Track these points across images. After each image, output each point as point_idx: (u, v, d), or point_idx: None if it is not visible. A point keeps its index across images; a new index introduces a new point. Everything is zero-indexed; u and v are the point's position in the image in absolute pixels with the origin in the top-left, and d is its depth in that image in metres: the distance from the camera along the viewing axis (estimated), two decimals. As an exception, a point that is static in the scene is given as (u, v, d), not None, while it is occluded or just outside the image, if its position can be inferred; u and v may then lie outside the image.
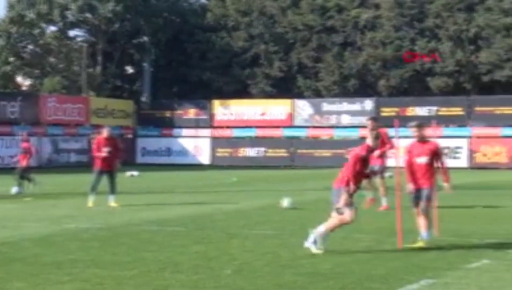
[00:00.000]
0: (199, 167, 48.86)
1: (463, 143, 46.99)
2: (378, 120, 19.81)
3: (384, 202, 18.36)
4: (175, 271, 10.08)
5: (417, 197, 12.38)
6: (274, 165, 48.78)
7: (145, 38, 58.27)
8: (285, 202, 18.78)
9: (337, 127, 50.59)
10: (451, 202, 19.63)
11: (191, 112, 53.94)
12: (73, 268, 10.30)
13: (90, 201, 19.49)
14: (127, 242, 12.82)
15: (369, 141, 12.22)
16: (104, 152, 19.84)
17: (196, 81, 56.73)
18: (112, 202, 19.43)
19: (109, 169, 19.88)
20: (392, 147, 18.04)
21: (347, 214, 11.65)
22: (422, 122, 13.39)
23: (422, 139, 12.85)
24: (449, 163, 48.21)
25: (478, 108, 47.43)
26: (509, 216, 17.26)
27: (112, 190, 19.65)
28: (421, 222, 12.27)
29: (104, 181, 19.81)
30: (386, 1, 53.09)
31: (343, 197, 11.62)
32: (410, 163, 12.63)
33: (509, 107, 46.58)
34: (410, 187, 12.47)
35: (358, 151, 12.06)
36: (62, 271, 10.05)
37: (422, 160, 12.61)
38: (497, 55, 49.67)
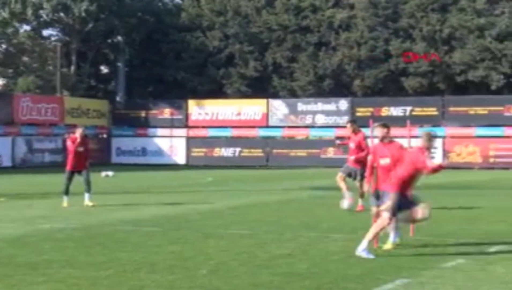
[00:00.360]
0: (174, 166, 48.74)
1: (437, 143, 47.20)
2: (357, 123, 19.78)
3: (360, 202, 18.37)
4: (150, 271, 10.04)
5: (377, 197, 12.26)
6: (250, 165, 48.77)
7: (120, 38, 58.04)
8: (345, 204, 17.81)
9: (312, 127, 50.67)
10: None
11: (166, 112, 53.79)
12: (48, 268, 10.23)
13: (65, 201, 19.39)
14: (102, 242, 12.75)
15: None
16: (77, 151, 19.73)
17: (171, 81, 56.60)
18: (87, 201, 19.33)
19: (80, 169, 19.78)
20: (368, 153, 17.55)
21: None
22: (386, 123, 13.37)
23: (386, 140, 12.83)
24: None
25: (452, 109, 47.71)
26: (483, 215, 17.37)
27: (88, 189, 19.55)
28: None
29: (78, 180, 19.71)
30: (361, 2, 53.26)
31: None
32: (373, 164, 12.66)
33: (482, 108, 46.89)
34: (372, 187, 12.43)
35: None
36: (37, 272, 9.98)
37: (386, 161, 12.59)
38: (471, 55, 49.98)
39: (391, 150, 12.71)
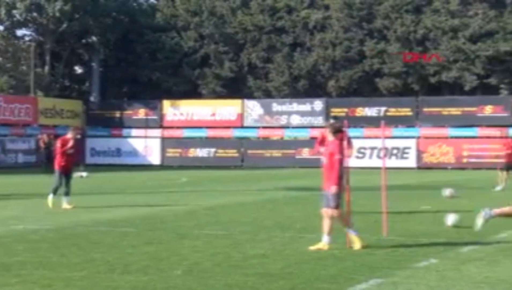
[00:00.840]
0: (149, 167, 48.62)
1: (411, 143, 47.50)
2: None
3: None
4: (124, 272, 10.01)
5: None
6: (225, 165, 48.76)
7: (94, 38, 57.80)
8: (450, 220, 15.72)
9: (287, 127, 50.76)
10: (399, 202, 19.84)
11: (141, 113, 53.66)
12: (22, 269, 10.17)
13: (50, 202, 19.20)
14: (76, 243, 12.70)
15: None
16: (67, 153, 19.60)
17: (145, 81, 56.47)
18: (66, 204, 19.18)
19: (69, 171, 19.67)
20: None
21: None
22: (337, 121, 13.42)
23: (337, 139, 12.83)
24: (398, 163, 48.69)
25: (426, 109, 47.99)
26: (456, 215, 17.45)
27: (68, 192, 19.43)
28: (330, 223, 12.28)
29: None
30: (336, 2, 53.42)
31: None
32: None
33: (456, 108, 47.22)
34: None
35: None
36: (10, 273, 9.92)
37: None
38: (444, 56, 50.30)
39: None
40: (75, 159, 20.03)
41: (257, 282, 9.37)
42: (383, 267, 10.46)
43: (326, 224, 12.18)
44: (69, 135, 19.96)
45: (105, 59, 58.01)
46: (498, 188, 26.61)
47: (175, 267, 10.39)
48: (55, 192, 19.40)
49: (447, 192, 21.92)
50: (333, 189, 12.11)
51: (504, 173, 27.31)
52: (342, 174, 12.26)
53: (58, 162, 19.72)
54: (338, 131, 12.69)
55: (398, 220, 15.72)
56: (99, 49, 57.14)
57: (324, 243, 12.05)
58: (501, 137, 32.39)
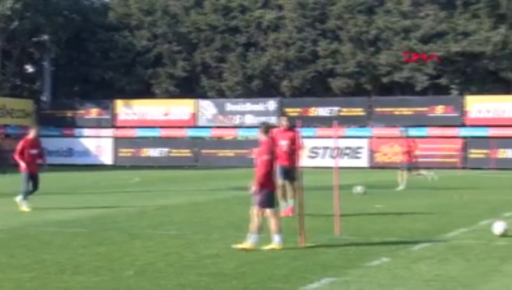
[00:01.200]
0: (101, 167, 48.26)
1: (364, 143, 47.84)
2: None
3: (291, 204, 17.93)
4: (75, 273, 9.92)
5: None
6: (178, 165, 48.61)
7: (45, 37, 57.17)
8: (498, 228, 14.79)
9: (240, 127, 50.78)
10: (351, 201, 19.98)
11: (93, 112, 53.26)
12: (-30, 271, 10.02)
13: (24, 206, 18.84)
14: (26, 244, 12.55)
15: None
16: (31, 153, 19.32)
17: (98, 80, 56.05)
18: (25, 205, 18.89)
19: (35, 172, 19.40)
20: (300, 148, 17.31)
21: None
22: (265, 122, 13.38)
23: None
24: (351, 162, 49.00)
25: (378, 109, 48.37)
26: (407, 214, 17.64)
27: (31, 194, 19.20)
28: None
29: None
30: (289, 3, 53.59)
31: None
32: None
33: (407, 108, 47.67)
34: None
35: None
36: (-42, 275, 9.77)
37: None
38: (396, 57, 50.74)
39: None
40: (42, 159, 19.73)
41: (210, 282, 9.35)
42: (335, 266, 10.51)
43: (271, 224, 12.21)
44: (31, 135, 19.74)
45: (57, 58, 57.44)
46: (400, 188, 26.92)
47: (127, 267, 10.32)
48: (25, 196, 19.08)
49: (358, 189, 22.86)
50: (252, 189, 12.21)
51: (405, 172, 27.87)
52: (270, 174, 12.29)
53: (23, 164, 19.36)
54: (269, 131, 12.69)
55: (351, 219, 15.82)
56: (50, 48, 56.56)
57: (276, 242, 12.09)
58: (400, 137, 32.72)
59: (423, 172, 30.82)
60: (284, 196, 17.06)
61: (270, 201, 12.30)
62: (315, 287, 9.17)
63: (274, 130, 17.03)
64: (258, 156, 12.35)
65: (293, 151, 16.66)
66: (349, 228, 14.28)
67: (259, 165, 12.28)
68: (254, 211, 12.31)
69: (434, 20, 50.86)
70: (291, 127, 17.37)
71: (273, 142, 13.05)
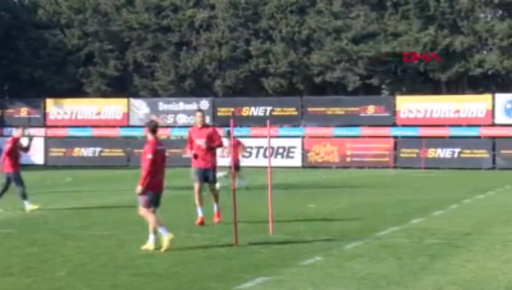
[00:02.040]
0: (32, 167, 47.54)
1: (297, 143, 48.12)
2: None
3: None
4: (6, 274, 9.77)
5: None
6: (111, 165, 48.19)
7: (-26, 34, 56.06)
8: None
9: (173, 127, 50.59)
10: (285, 201, 20.09)
11: (23, 111, 52.41)
12: None
13: (30, 206, 18.59)
14: (-45, 246, 12.31)
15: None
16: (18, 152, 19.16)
17: (28, 79, 55.18)
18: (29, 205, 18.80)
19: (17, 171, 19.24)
20: (221, 144, 16.11)
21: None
22: (152, 121, 13.21)
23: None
24: (284, 162, 49.12)
25: (310, 109, 48.69)
26: (340, 213, 17.81)
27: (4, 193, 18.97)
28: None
29: None
30: (221, 2, 53.59)
31: None
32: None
33: (339, 108, 48.10)
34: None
35: None
36: None
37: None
38: (328, 57, 51.18)
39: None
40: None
41: (143, 282, 9.31)
42: (269, 265, 10.57)
43: (149, 223, 12.19)
44: (17, 134, 19.49)
45: (-15, 56, 56.39)
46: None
47: (59, 268, 10.21)
48: (26, 196, 18.75)
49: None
50: (138, 189, 12.19)
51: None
52: (155, 174, 12.20)
53: (12, 164, 19.10)
54: (156, 130, 12.60)
55: (284, 218, 15.89)
56: (-22, 45, 55.47)
57: (150, 243, 12.04)
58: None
59: None
60: (201, 201, 15.39)
61: (154, 202, 12.27)
62: (249, 286, 9.21)
63: (190, 129, 16.17)
64: (143, 155, 12.29)
65: (211, 150, 15.35)
66: (283, 227, 14.36)
67: (143, 165, 12.21)
68: (141, 212, 12.31)
69: (365, 21, 51.44)
70: (208, 124, 16.18)
71: (158, 144, 12.52)
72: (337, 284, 9.32)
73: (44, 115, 51.95)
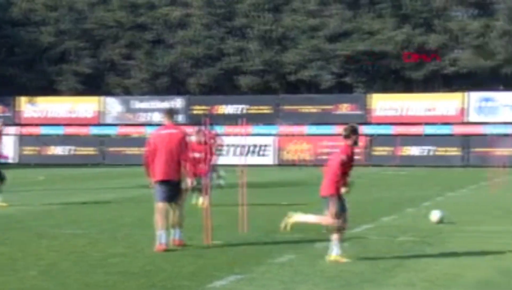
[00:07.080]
0: (4, 165, 47.15)
1: (271, 141, 48.17)
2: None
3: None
4: (-23, 274, 9.72)
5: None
6: (84, 163, 47.98)
7: None
8: (435, 216, 15.11)
9: (148, 125, 50.43)
10: (257, 199, 20.11)
11: (-5, 109, 52.08)
12: None
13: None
14: None
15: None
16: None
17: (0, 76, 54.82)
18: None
19: None
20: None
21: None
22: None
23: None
24: (258, 160, 49.18)
25: (285, 107, 48.77)
26: (313, 211, 17.85)
27: None
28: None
29: None
30: (196, 0, 53.56)
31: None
32: None
33: (313, 106, 48.22)
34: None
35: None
36: None
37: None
38: (302, 55, 51.29)
39: None
40: None
41: (117, 281, 9.30)
42: (242, 263, 10.60)
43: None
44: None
45: (-42, 54, 55.93)
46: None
47: (31, 267, 10.17)
48: None
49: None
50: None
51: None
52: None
53: None
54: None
55: (257, 216, 15.92)
56: (-49, 43, 55.01)
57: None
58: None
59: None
60: (165, 223, 12.15)
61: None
62: (221, 284, 9.23)
63: (153, 132, 13.06)
64: None
65: (177, 156, 12.09)
66: (256, 225, 14.39)
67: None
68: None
69: (340, 20, 51.62)
70: (177, 124, 13.17)
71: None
72: (307, 282, 9.36)
73: (16, 113, 51.62)
